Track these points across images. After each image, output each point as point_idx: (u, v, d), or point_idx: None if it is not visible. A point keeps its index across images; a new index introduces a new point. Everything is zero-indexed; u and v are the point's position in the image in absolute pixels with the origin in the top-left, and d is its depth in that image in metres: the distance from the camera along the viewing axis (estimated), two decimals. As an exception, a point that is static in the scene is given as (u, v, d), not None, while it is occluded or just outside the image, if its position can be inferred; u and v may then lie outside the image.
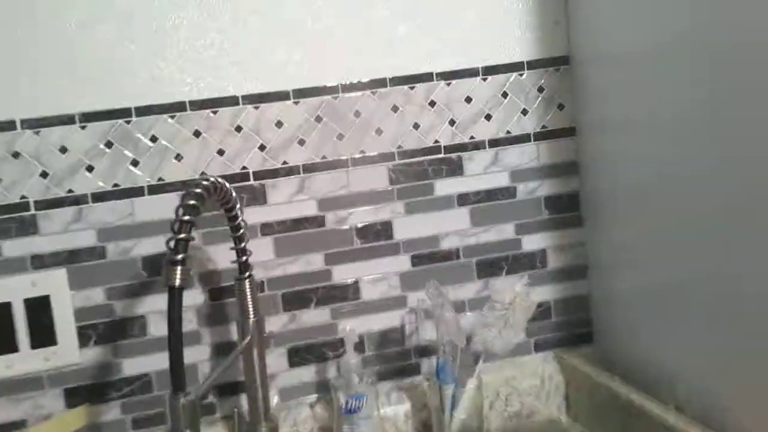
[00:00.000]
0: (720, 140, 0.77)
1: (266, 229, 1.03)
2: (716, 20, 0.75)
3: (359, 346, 1.05)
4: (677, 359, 0.89)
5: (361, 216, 1.06)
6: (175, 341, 0.65)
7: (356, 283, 1.06)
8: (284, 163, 1.03)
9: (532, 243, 1.12)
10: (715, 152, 0.78)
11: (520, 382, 1.09)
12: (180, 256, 0.66)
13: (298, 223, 1.04)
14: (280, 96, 1.03)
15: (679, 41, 0.82)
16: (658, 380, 0.92)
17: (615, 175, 1.00)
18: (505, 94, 1.09)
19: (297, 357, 1.05)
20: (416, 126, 1.07)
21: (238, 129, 1.02)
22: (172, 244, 0.68)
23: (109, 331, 0.99)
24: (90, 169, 0.97)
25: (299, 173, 1.04)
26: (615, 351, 1.05)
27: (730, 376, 0.80)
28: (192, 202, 0.70)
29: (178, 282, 0.66)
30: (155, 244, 0.99)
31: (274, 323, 1.04)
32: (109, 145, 0.98)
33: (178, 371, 0.66)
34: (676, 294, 0.88)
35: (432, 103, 1.07)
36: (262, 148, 1.03)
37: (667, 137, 0.86)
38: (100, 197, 0.98)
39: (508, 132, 1.10)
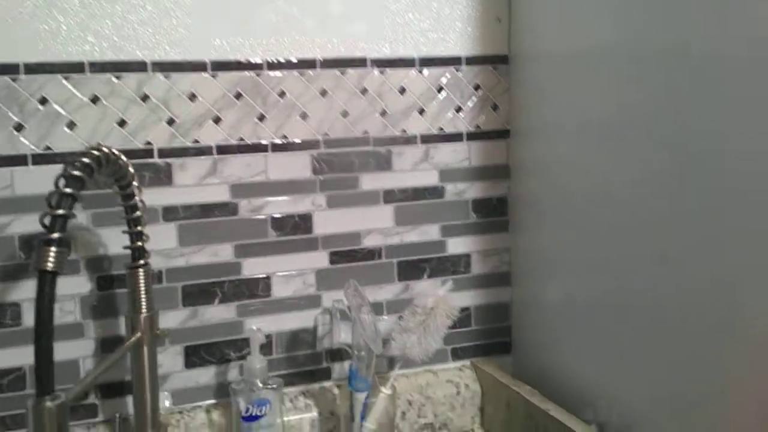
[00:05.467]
0: (649, 151, 0.74)
1: (170, 213, 0.93)
2: (653, 24, 0.72)
3: (266, 348, 0.97)
4: (597, 375, 0.86)
5: (279, 206, 0.97)
6: (43, 335, 0.55)
7: (268, 278, 0.97)
8: (195, 141, 0.93)
9: (457, 246, 1.07)
10: (645, 163, 0.75)
11: (435, 390, 1.03)
12: (56, 236, 0.56)
13: (207, 210, 0.94)
14: (196, 66, 0.93)
15: (616, 45, 0.79)
16: (577, 396, 0.89)
17: (543, 181, 0.97)
18: (440, 89, 1.03)
19: (195, 357, 0.95)
20: (345, 114, 0.99)
21: (145, 98, 0.91)
22: (47, 220, 0.57)
23: (-24, 317, 0.86)
24: (-36, 129, 0.84)
25: (212, 154, 0.94)
26: (534, 362, 1.02)
27: (648, 395, 0.77)
28: (76, 173, 0.60)
29: (50, 266, 0.55)
30: (37, 222, 0.87)
31: (172, 319, 0.93)
32: (-11, 103, 0.85)
33: (44, 370, 0.56)
34: (596, 307, 0.85)
35: (364, 91, 0.99)
36: (170, 122, 0.92)
37: (596, 145, 0.83)
38: (-26, 164, 0.85)
39: (441, 129, 1.04)
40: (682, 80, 0.69)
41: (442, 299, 0.87)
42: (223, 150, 0.95)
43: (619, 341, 0.81)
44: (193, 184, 0.94)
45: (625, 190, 0.79)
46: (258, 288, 0.97)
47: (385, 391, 0.88)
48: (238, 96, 0.94)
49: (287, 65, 0.96)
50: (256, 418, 0.84)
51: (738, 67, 0.63)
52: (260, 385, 0.85)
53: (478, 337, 1.09)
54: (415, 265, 1.04)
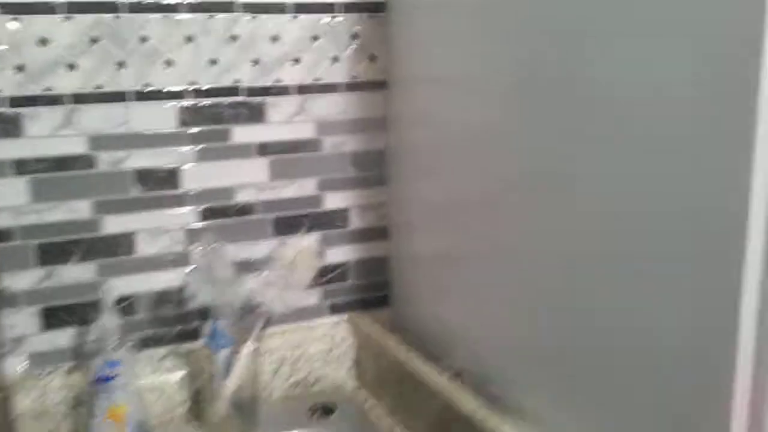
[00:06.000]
0: (529, 103, 0.73)
1: (20, 167, 0.86)
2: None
3: (130, 308, 0.93)
4: (461, 324, 0.88)
5: (142, 160, 0.92)
6: None
7: (131, 236, 0.93)
8: (47, 89, 0.86)
9: (335, 201, 1.05)
10: (523, 115, 0.74)
11: (309, 346, 1.03)
12: None
13: (62, 163, 0.88)
14: (47, 8, 0.84)
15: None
16: (443, 344, 0.91)
17: (420, 134, 0.96)
18: (316, 38, 0.99)
19: (53, 318, 0.90)
20: (214, 62, 0.94)
21: (-13, 42, 0.82)
22: None
23: None
24: None
25: (66, 103, 0.87)
26: (410, 315, 1.03)
27: (505, 343, 0.79)
28: None
29: None
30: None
31: (25, 279, 0.88)
32: None
33: None
34: (465, 258, 0.86)
35: (234, 38, 0.94)
36: (20, 68, 0.85)
37: (471, 97, 0.82)
38: None
39: (317, 79, 1.00)
40: (560, 31, 0.68)
41: (302, 252, 0.86)
42: (79, 99, 0.88)
43: (482, 291, 0.83)
44: (46, 135, 0.87)
45: (494, 143, 0.78)
46: (120, 246, 0.92)
47: (248, 348, 0.87)
48: (94, 41, 0.87)
49: (148, 7, 0.89)
50: (108, 379, 0.81)
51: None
52: (112, 345, 0.82)
53: (356, 291, 1.09)
54: (291, 221, 1.02)
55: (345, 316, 1.08)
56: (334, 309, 1.08)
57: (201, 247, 0.85)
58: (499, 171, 0.78)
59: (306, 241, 0.88)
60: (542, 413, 0.74)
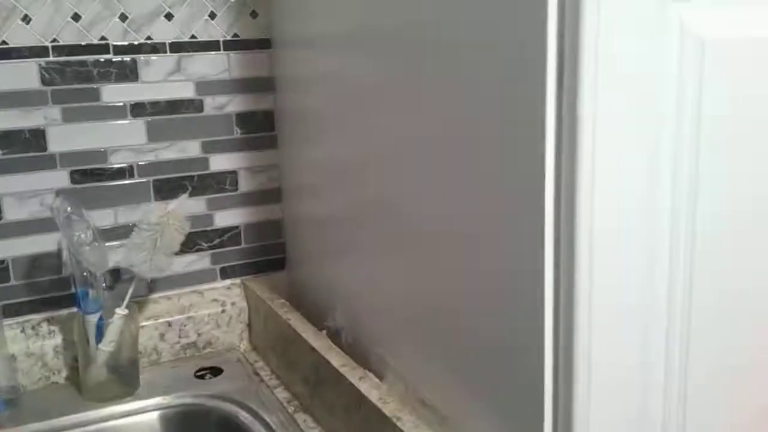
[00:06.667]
0: (410, 57, 0.68)
1: None
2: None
3: (2, 274, 0.90)
4: (343, 285, 0.87)
5: (2, 121, 0.88)
6: None
7: (-5, 200, 0.90)
8: None
9: (221, 163, 1.03)
10: (410, 72, 0.67)
11: (199, 310, 1.01)
12: None
13: None
14: None
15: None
16: (325, 305, 0.90)
17: (306, 95, 0.94)
18: (188, -9, 0.96)
19: None
20: (76, 17, 0.90)
21: None
22: None
23: None
24: None
25: None
26: (302, 279, 1.02)
27: (380, 302, 0.78)
28: None
29: None
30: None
31: None
32: None
33: None
34: (348, 221, 0.85)
35: (97, -11, 0.91)
36: None
37: (357, 56, 0.78)
38: None
39: (194, 37, 0.97)
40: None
41: (170, 214, 0.84)
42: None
43: (361, 252, 0.82)
44: None
45: (378, 103, 0.75)
46: None
47: (120, 311, 0.85)
48: (-60, -6, 0.83)
49: (0, -41, 0.85)
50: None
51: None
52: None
53: (249, 255, 1.07)
54: (174, 184, 1.00)
55: (238, 281, 1.06)
56: (226, 273, 1.06)
57: (62, 212, 0.81)
58: (382, 133, 0.75)
59: (173, 204, 0.85)
60: (403, 368, 0.73)
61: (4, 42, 0.87)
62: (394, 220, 0.73)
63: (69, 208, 0.80)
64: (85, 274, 0.85)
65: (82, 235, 0.81)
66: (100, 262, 0.81)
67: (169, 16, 0.95)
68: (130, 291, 0.87)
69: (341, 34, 0.81)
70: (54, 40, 0.89)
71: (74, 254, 0.83)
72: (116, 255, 0.91)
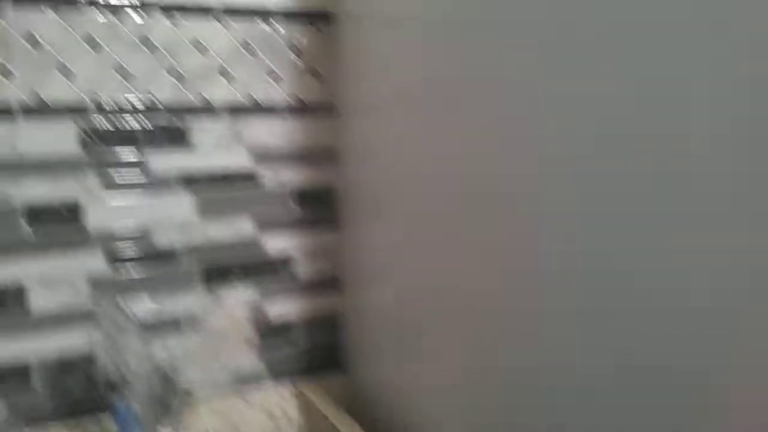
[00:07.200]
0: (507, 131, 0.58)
1: None
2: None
3: (19, 380, 0.71)
4: (424, 396, 0.70)
5: (34, 191, 0.73)
6: None
7: (21, 287, 0.72)
8: None
9: (276, 245, 0.88)
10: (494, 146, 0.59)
11: (245, 420, 0.82)
12: None
13: None
14: None
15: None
16: (405, 421, 0.72)
17: (375, 168, 0.80)
18: (249, 48, 0.84)
19: None
20: (122, 70, 0.77)
21: None
22: None
23: None
24: None
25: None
26: (366, 383, 0.84)
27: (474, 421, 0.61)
28: None
29: None
30: None
31: None
32: None
33: None
34: (430, 315, 0.69)
35: (146, 42, 0.78)
36: None
37: (430, 125, 0.66)
38: None
39: (252, 99, 0.85)
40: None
41: (231, 316, 0.68)
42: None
43: (453, 354, 0.66)
44: None
45: (464, 179, 0.62)
46: (9, 300, 0.71)
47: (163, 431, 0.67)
48: (-32, 41, 0.70)
49: (40, 2, 0.73)
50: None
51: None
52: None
53: (301, 353, 0.90)
54: (222, 270, 0.84)
55: (288, 383, 0.88)
56: (275, 375, 0.88)
57: (103, 303, 0.65)
58: (467, 214, 0.62)
59: (233, 304, 0.69)
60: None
61: (38, 97, 0.73)
62: (499, 316, 0.58)
63: (116, 299, 0.63)
64: (122, 379, 0.68)
65: (126, 334, 0.64)
66: (145, 368, 0.63)
67: (226, 74, 0.83)
68: (178, 408, 0.69)
69: (418, 103, 0.69)
70: (95, 96, 0.76)
71: (111, 355, 0.66)
72: (161, 354, 0.74)
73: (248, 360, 0.84)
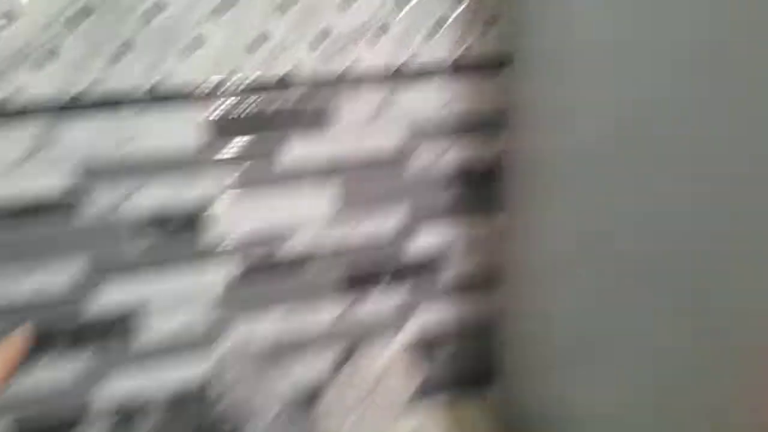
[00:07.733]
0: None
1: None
2: None
3: (130, 419, 0.64)
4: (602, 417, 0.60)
5: (152, 196, 0.61)
6: None
7: (134, 312, 0.63)
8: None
9: (427, 240, 0.73)
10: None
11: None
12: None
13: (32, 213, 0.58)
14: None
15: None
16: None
17: (560, 135, 0.62)
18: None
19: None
20: (255, 42, 0.61)
21: None
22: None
23: None
24: None
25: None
26: (527, 399, 0.73)
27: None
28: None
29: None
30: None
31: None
32: None
33: None
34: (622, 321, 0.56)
35: (283, 3, 0.61)
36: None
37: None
38: None
39: (410, 60, 0.67)
40: None
41: (394, 360, 0.55)
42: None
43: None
44: None
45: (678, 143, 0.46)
46: (118, 328, 0.62)
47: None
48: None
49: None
50: None
51: None
52: None
53: (454, 366, 0.79)
54: (365, 272, 0.71)
55: (438, 403, 0.77)
56: (425, 391, 0.77)
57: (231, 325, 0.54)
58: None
59: (395, 349, 0.56)
60: None
61: (157, 79, 0.59)
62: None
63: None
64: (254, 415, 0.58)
65: (259, 360, 0.53)
66: (280, 401, 0.52)
67: (383, 31, 0.64)
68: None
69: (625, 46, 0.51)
70: (231, 72, 0.60)
71: (228, 389, 0.56)
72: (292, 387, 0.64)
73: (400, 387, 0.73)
